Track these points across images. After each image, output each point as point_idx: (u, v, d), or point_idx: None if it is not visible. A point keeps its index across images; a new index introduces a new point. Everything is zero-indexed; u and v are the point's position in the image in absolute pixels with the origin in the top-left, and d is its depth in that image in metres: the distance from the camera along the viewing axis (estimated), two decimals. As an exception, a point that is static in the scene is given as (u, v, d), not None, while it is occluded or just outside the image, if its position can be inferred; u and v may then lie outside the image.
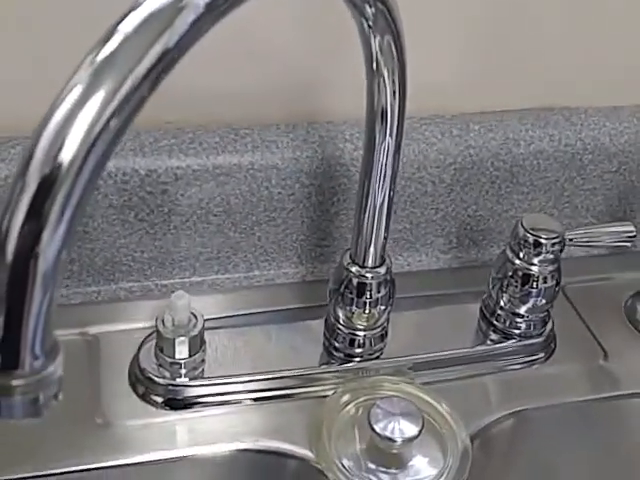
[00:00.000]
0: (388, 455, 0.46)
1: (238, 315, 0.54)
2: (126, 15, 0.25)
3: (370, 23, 0.35)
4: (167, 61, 0.25)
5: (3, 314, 0.24)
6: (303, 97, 0.54)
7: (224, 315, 0.54)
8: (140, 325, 0.52)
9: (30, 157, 0.24)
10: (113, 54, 0.25)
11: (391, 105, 0.38)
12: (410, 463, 0.46)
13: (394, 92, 0.38)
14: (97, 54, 0.25)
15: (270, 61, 0.52)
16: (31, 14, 0.48)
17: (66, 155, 0.24)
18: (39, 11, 0.47)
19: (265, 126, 0.53)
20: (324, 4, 0.50)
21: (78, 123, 0.24)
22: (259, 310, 0.54)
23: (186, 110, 0.52)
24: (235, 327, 0.53)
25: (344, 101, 0.53)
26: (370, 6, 0.34)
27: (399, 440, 0.44)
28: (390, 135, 0.40)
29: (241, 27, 0.50)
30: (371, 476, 0.45)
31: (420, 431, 0.45)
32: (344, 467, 0.45)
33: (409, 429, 0.45)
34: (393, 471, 0.46)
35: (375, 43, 0.36)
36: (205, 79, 0.52)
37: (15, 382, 0.25)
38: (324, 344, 0.52)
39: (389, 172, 0.42)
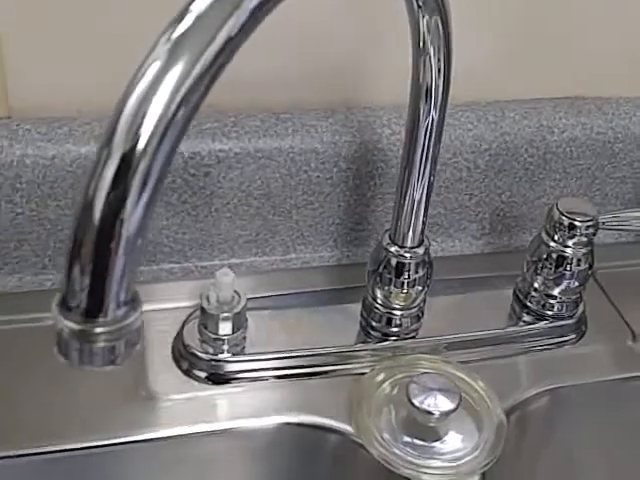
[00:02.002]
0: (425, 429, 0.47)
1: (275, 295, 0.55)
2: None
3: (420, 3, 0.36)
4: (238, 39, 0.26)
5: (90, 267, 0.25)
6: (342, 82, 0.55)
7: (262, 295, 0.55)
8: (181, 304, 0.53)
9: (113, 130, 0.25)
10: (187, 32, 0.26)
11: (436, 82, 0.40)
12: (446, 437, 0.47)
13: (439, 70, 0.39)
14: (172, 32, 0.26)
15: (310, 46, 0.53)
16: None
17: (146, 129, 0.25)
18: None
19: (305, 111, 0.55)
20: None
21: (157, 98, 0.25)
22: (296, 291, 0.56)
23: (227, 94, 0.54)
24: (273, 307, 0.54)
25: (383, 87, 0.55)
26: (422, -13, 0.35)
27: (437, 414, 0.46)
28: (434, 110, 0.41)
29: (282, 12, 0.51)
30: (409, 448, 0.46)
31: (457, 405, 0.46)
32: (383, 440, 0.46)
33: (446, 404, 0.46)
34: (430, 444, 0.47)
35: (423, 22, 0.37)
36: (245, 64, 0.52)
37: (98, 329, 0.26)
38: (361, 323, 0.53)
39: (432, 150, 0.43)
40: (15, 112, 0.51)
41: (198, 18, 0.26)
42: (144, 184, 0.25)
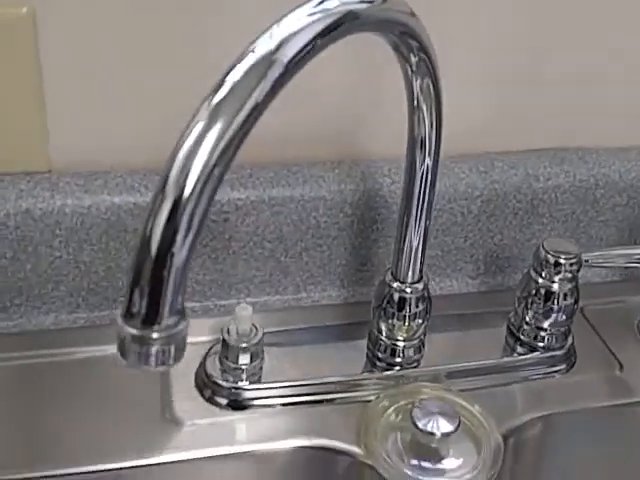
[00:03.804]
0: (428, 450, 0.51)
1: (288, 331, 0.60)
2: (232, 68, 0.32)
3: (413, 68, 0.42)
4: (264, 102, 0.32)
5: (148, 291, 0.31)
6: (347, 138, 0.61)
7: (275, 331, 0.59)
8: (201, 339, 0.58)
9: (166, 179, 0.31)
10: (224, 99, 0.32)
11: (429, 134, 0.46)
12: (447, 458, 0.51)
13: (432, 124, 0.45)
14: (212, 99, 0.32)
15: (319, 107, 0.59)
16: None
17: (192, 179, 0.31)
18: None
19: (313, 163, 0.61)
20: (369, 60, 0.57)
21: (200, 154, 0.31)
22: (306, 327, 0.61)
23: (245, 149, 0.60)
24: (286, 342, 0.59)
25: (382, 142, 0.61)
26: (414, 55, 0.41)
27: (438, 434, 0.50)
28: (429, 158, 0.47)
29: (294, 78, 0.57)
30: (414, 468, 0.51)
31: (457, 427, 0.50)
32: (391, 461, 0.51)
33: (446, 426, 0.50)
34: (432, 465, 0.51)
35: (416, 85, 0.43)
36: (261, 122, 0.59)
37: (155, 335, 0.31)
38: (367, 355, 0.58)
39: (427, 195, 0.49)
40: (54, 167, 0.57)
41: (232, 88, 0.32)
42: (190, 223, 0.31)
